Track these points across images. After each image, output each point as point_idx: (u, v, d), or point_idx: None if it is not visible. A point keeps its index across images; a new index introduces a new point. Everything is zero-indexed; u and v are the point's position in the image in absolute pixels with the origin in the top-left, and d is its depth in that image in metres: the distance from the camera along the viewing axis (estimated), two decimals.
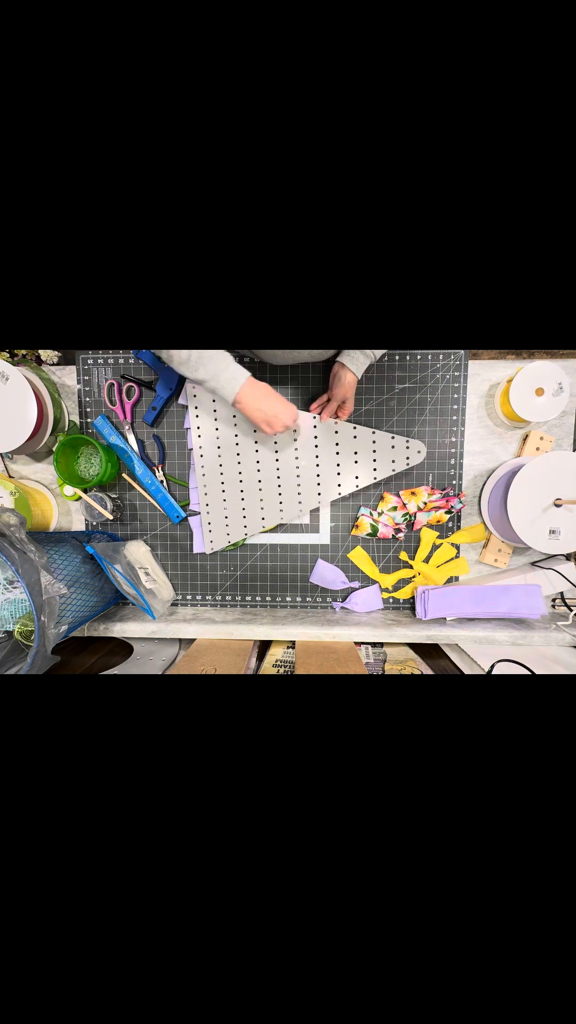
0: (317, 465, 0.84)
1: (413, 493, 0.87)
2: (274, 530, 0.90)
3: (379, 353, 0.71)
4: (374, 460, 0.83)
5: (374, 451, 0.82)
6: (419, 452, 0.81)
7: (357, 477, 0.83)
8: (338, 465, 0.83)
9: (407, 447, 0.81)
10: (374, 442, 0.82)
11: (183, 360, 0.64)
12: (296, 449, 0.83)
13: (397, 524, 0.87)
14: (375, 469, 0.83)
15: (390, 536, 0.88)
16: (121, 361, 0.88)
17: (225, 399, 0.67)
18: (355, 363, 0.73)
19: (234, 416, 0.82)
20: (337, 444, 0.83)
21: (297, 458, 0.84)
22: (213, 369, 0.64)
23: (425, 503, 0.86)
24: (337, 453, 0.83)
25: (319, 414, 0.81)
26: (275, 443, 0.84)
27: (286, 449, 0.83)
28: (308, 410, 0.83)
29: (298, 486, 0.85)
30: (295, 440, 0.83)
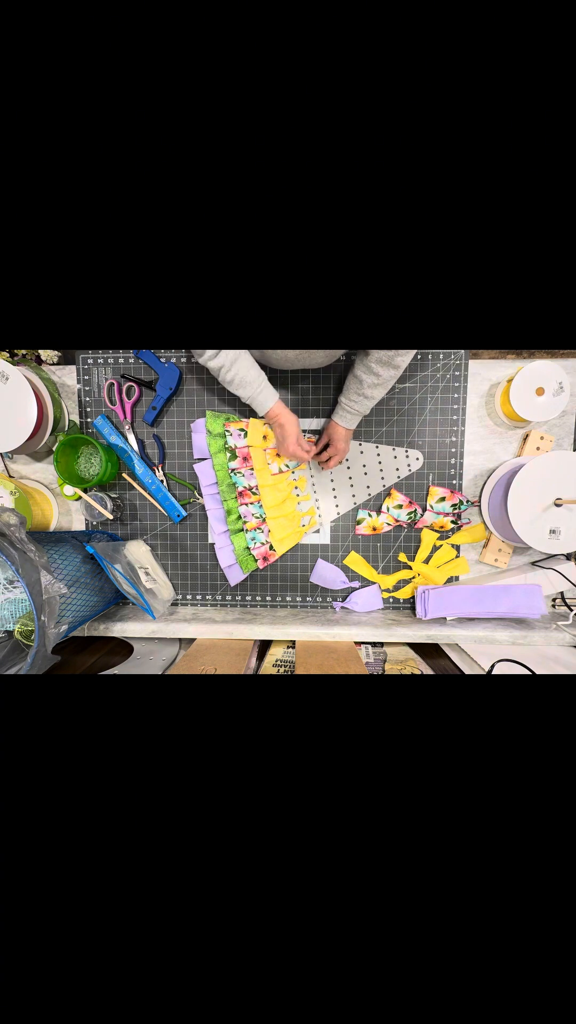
0: (331, 480, 0.90)
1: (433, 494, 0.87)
2: None
3: (369, 406, 0.76)
4: (381, 470, 0.89)
5: (380, 463, 0.88)
6: (417, 459, 0.88)
7: (368, 487, 0.89)
8: (350, 479, 0.89)
9: (407, 456, 0.88)
10: (378, 455, 0.88)
11: (227, 382, 0.72)
12: (312, 476, 0.90)
13: (400, 521, 0.87)
14: (383, 479, 0.89)
15: (390, 529, 0.89)
16: (121, 361, 0.88)
17: (258, 412, 0.76)
18: (344, 419, 0.78)
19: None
20: (347, 460, 0.89)
21: (312, 476, 0.90)
22: (249, 392, 0.73)
23: (433, 506, 0.87)
24: (348, 468, 0.89)
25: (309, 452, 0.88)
26: (288, 467, 0.88)
27: (301, 474, 0.90)
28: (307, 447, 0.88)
29: (316, 502, 0.91)
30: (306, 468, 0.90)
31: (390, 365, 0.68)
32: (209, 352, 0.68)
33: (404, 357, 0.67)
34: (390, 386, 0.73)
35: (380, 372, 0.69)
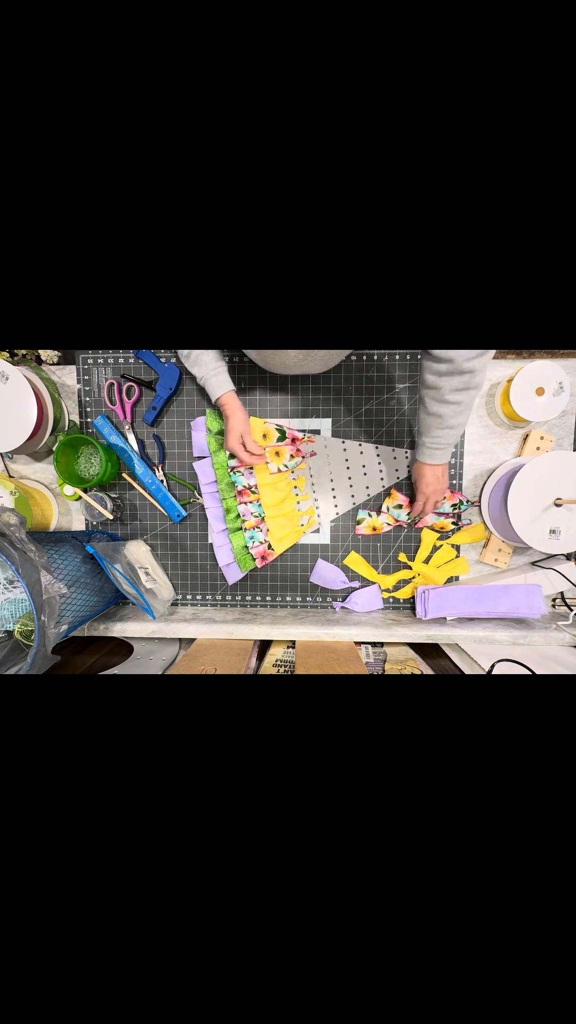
0: (331, 480, 0.89)
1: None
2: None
3: (457, 434, 0.68)
4: (380, 471, 0.88)
5: (379, 463, 0.88)
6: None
7: (367, 487, 0.89)
8: (350, 479, 0.89)
9: (407, 456, 0.88)
10: (378, 455, 0.88)
11: (184, 356, 0.76)
12: (311, 475, 0.89)
13: (400, 521, 0.87)
14: (382, 479, 0.89)
15: (390, 529, 0.89)
16: (121, 361, 0.88)
17: (211, 396, 0.77)
18: (433, 457, 0.69)
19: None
20: (347, 460, 0.89)
21: (311, 476, 0.89)
22: (203, 372, 0.75)
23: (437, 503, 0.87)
24: (347, 468, 0.89)
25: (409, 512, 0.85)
26: (287, 466, 0.87)
27: (301, 473, 0.90)
28: (407, 515, 0.87)
29: (315, 502, 0.90)
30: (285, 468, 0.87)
31: (468, 389, 0.61)
32: None
33: (479, 376, 0.60)
34: (472, 406, 0.65)
35: (459, 399, 0.63)
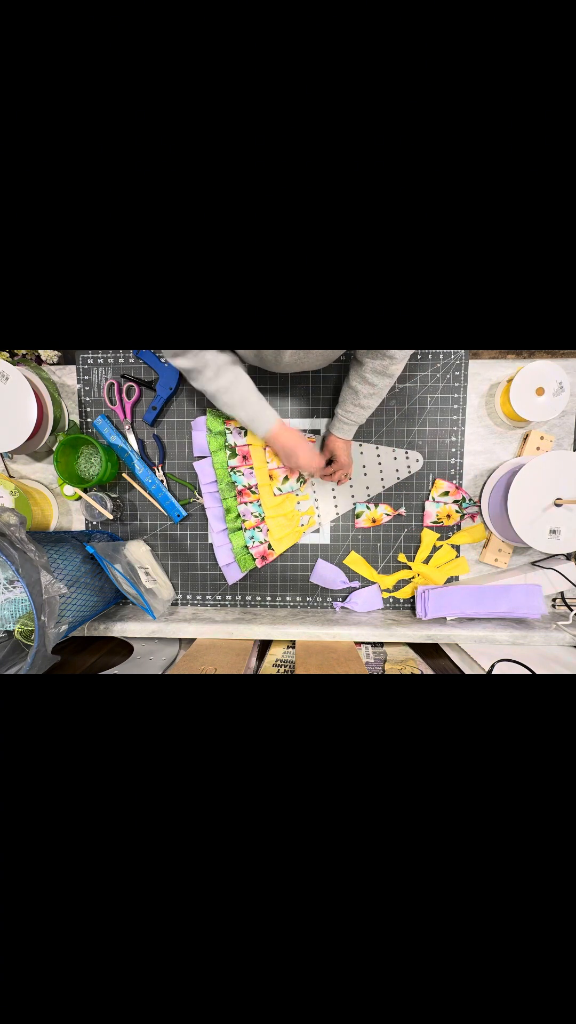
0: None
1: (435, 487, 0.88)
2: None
3: (366, 415, 0.76)
4: (380, 471, 0.88)
5: (379, 464, 0.88)
6: (417, 461, 0.88)
7: (368, 488, 0.89)
8: (349, 477, 0.88)
9: (407, 457, 0.88)
10: (378, 455, 0.88)
11: (226, 404, 0.70)
12: (311, 476, 0.89)
13: (399, 511, 0.88)
14: (382, 479, 0.89)
15: (389, 519, 0.89)
16: (121, 361, 0.88)
17: (257, 434, 0.75)
18: (342, 431, 0.78)
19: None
20: None
21: (312, 476, 0.89)
22: (249, 412, 0.71)
23: (436, 499, 0.87)
24: None
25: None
26: (290, 489, 0.88)
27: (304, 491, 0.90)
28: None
29: (315, 502, 0.90)
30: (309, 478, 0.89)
31: (384, 375, 0.68)
32: (208, 374, 0.67)
33: (398, 366, 0.67)
34: (384, 394, 0.73)
35: (375, 382, 0.70)
